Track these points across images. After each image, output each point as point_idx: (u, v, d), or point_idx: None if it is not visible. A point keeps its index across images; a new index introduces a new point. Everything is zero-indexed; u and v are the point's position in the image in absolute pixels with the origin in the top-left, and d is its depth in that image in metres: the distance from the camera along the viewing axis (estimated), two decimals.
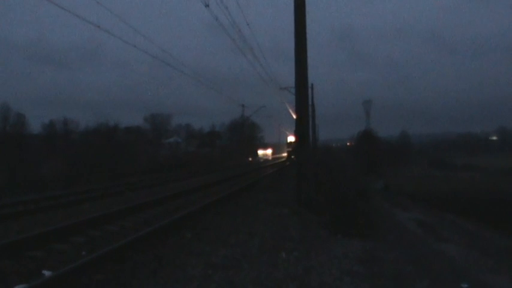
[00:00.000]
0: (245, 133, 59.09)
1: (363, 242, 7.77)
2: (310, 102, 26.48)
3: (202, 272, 5.37)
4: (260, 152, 70.63)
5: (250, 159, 58.15)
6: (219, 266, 5.64)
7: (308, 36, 11.64)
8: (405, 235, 10.81)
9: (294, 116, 13.13)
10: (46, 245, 6.77)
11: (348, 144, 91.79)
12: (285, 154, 60.61)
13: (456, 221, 16.11)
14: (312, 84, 36.86)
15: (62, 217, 9.90)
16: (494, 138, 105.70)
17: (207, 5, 11.70)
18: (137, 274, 5.29)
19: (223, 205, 11.49)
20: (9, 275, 5.29)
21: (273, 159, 67.06)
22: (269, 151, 79.16)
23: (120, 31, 10.81)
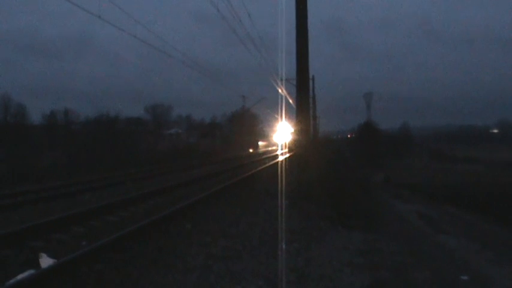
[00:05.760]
0: (246, 124, 58.92)
1: (363, 233, 7.76)
2: (311, 94, 26.33)
3: (202, 262, 5.37)
4: (261, 143, 70.70)
5: (251, 150, 58.11)
6: (219, 256, 5.64)
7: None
8: (406, 227, 10.83)
9: (295, 107, 13.06)
10: (46, 234, 6.77)
11: (349, 136, 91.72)
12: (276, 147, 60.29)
13: (456, 213, 16.13)
14: (314, 76, 36.76)
15: (62, 207, 9.91)
16: (495, 130, 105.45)
17: None
18: (137, 264, 5.29)
19: (223, 196, 11.48)
20: (10, 264, 5.30)
21: (274, 150, 67.03)
22: None
23: (116, 21, 10.63)
